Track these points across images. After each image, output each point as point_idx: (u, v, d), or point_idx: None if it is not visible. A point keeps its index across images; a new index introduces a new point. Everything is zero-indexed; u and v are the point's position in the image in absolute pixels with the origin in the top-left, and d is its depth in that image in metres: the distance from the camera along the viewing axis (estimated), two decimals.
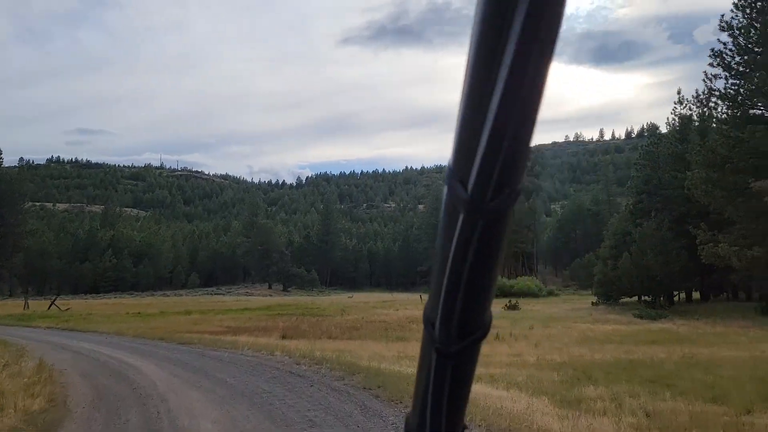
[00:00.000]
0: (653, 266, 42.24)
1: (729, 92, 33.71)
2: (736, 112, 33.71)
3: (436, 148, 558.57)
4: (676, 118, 48.64)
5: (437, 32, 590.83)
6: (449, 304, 0.69)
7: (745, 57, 33.32)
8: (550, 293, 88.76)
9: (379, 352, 16.71)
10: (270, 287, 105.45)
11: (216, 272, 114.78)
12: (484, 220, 0.63)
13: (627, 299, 48.76)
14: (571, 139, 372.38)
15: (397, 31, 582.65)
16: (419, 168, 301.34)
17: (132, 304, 55.86)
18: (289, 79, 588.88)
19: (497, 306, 48.46)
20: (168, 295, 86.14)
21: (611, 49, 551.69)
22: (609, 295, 48.51)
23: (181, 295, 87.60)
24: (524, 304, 50.11)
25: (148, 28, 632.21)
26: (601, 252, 55.11)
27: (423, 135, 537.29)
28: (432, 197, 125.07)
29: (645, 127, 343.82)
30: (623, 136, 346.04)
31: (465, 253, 0.65)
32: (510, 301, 47.94)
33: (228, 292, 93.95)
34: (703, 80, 34.79)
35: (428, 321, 0.75)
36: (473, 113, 0.61)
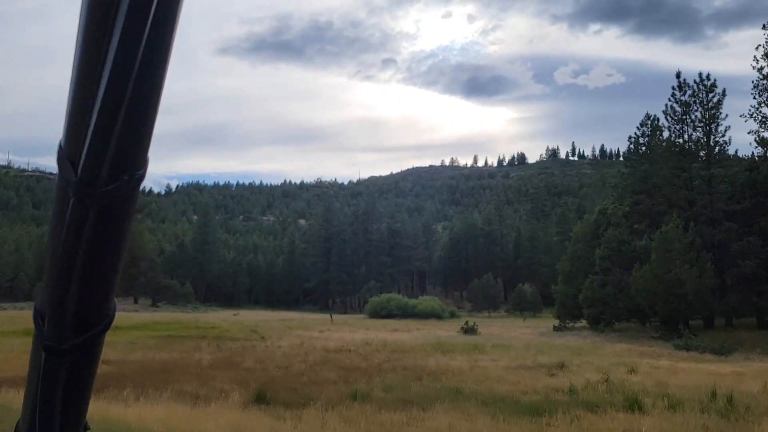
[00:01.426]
0: (685, 280, 33.50)
1: None
2: None
3: (311, 166, 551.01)
4: (674, 105, 42.59)
5: (318, 51, 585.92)
6: (60, 296, 0.64)
7: None
8: (452, 315, 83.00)
9: None
10: (136, 301, 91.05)
11: None
12: (98, 206, 0.59)
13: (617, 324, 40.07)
14: (447, 164, 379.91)
15: (278, 46, 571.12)
16: (298, 182, 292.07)
17: None
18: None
19: (451, 330, 40.34)
20: (5, 308, 70.29)
21: (481, 83, 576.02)
22: (599, 318, 40.16)
23: (23, 308, 71.86)
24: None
25: (2, 14, 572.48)
26: (564, 267, 48.42)
27: (299, 152, 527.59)
28: (323, 210, 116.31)
29: (515, 156, 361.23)
30: (495, 164, 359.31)
31: (77, 240, 0.60)
32: (467, 323, 39.81)
33: None
34: None
35: (38, 315, 0.69)
36: (83, 88, 0.56)
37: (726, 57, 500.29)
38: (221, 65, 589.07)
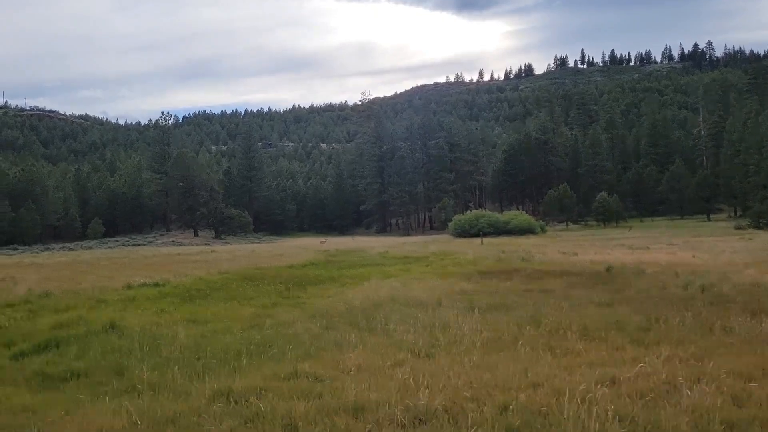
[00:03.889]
0: None
1: None
2: None
3: (304, 94, 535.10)
4: None
5: None
6: None
7: None
8: (542, 229, 76.76)
9: None
10: (196, 234, 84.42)
11: (116, 218, 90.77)
12: None
13: None
14: (452, 80, 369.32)
15: None
16: (308, 106, 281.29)
17: (49, 266, 34.54)
18: (145, 20, 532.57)
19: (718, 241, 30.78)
20: (72, 249, 63.46)
21: None
22: None
23: (90, 247, 65.17)
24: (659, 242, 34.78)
25: None
26: None
27: (290, 81, 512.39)
28: (374, 127, 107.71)
29: (522, 68, 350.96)
30: (502, 77, 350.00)
31: None
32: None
33: (149, 242, 72.49)
34: None
35: None
36: None
37: None
38: None
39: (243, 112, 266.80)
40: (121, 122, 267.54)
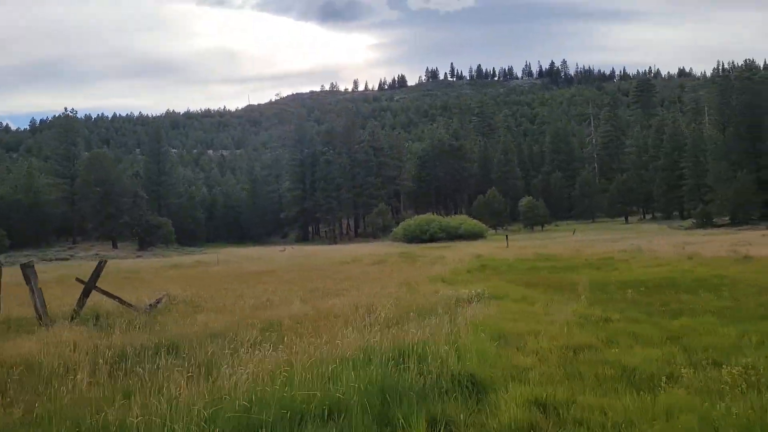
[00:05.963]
0: None
1: None
2: None
3: (167, 99, 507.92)
4: None
5: None
6: None
7: None
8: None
9: None
10: (115, 246, 75.13)
11: (11, 230, 78.40)
12: None
13: None
14: (328, 89, 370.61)
15: None
16: (184, 111, 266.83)
17: None
18: None
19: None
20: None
21: (337, 9, 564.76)
22: None
23: (9, 263, 55.33)
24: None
25: None
26: None
27: (151, 86, 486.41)
28: (295, 131, 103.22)
29: (396, 79, 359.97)
30: (377, 88, 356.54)
31: None
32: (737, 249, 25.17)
33: (70, 256, 63.24)
34: None
35: None
36: None
37: None
38: None
39: (111, 116, 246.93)
40: None
